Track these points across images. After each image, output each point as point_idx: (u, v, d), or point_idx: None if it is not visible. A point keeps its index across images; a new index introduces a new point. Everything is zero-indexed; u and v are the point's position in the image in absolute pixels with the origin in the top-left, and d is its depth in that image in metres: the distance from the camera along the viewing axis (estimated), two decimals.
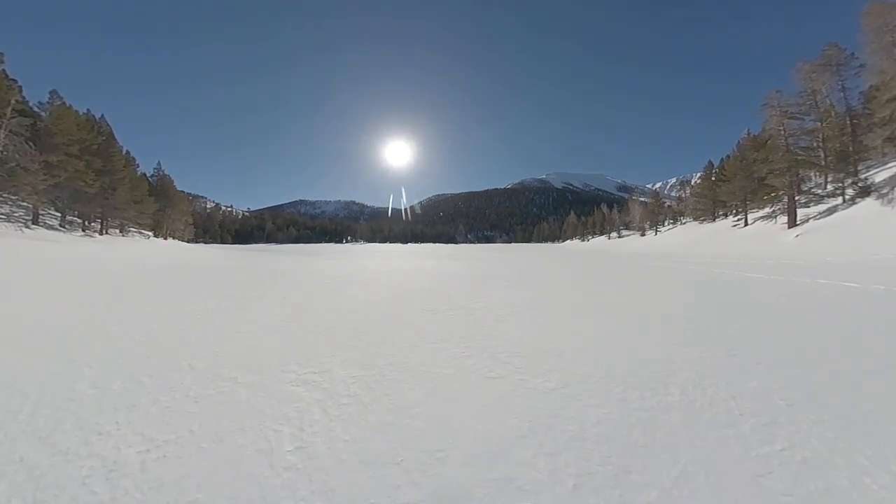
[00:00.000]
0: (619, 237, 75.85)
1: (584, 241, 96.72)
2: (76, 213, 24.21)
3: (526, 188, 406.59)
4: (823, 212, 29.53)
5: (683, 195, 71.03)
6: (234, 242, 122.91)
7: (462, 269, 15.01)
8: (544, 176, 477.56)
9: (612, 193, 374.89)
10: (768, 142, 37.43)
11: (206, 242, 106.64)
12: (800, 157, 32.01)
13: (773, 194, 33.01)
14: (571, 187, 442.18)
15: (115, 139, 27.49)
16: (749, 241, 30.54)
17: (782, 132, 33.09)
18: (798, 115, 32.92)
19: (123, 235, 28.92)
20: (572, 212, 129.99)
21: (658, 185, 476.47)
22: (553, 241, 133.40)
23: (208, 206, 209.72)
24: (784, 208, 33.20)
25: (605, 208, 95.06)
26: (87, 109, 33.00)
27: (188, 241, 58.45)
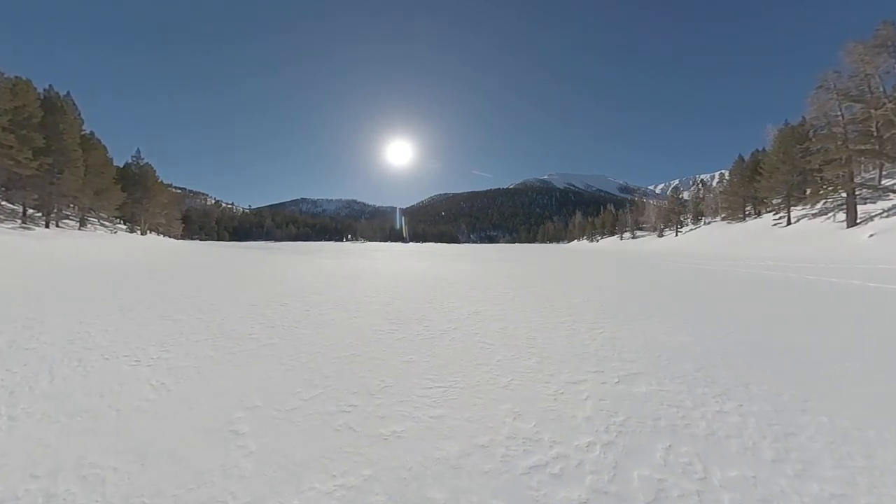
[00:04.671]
0: (633, 238, 71.81)
1: (592, 241, 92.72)
2: (22, 200, 20.18)
3: (528, 188, 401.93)
4: (891, 209, 25.62)
5: (699, 195, 66.90)
6: (231, 240, 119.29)
7: (492, 275, 11.03)
8: (546, 176, 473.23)
9: (614, 194, 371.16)
10: (812, 131, 33.58)
11: (201, 239, 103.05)
12: (862, 147, 27.88)
13: (829, 188, 28.94)
14: (574, 188, 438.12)
15: (66, 114, 23.02)
16: (805, 240, 26.50)
17: (840, 118, 29.10)
18: (860, 99, 28.82)
19: (81, 229, 24.88)
20: (578, 212, 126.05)
21: (660, 186, 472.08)
22: (558, 241, 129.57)
23: (208, 202, 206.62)
24: (836, 204, 29.41)
25: (612, 208, 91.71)
26: (50, 85, 29.16)
27: (178, 238, 54.53)
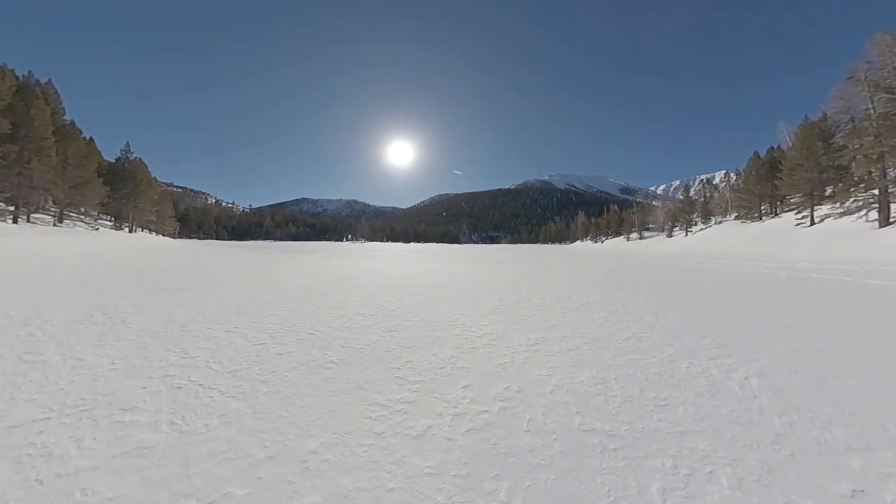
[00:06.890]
0: (641, 238, 69.98)
1: (596, 242, 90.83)
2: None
3: (529, 189, 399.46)
4: None
5: (706, 194, 65.16)
6: (230, 239, 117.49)
7: (513, 279, 9.17)
8: (547, 177, 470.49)
9: (615, 195, 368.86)
10: (835, 127, 31.81)
11: (199, 238, 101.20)
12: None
13: (860, 185, 27.15)
14: (574, 188, 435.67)
15: (39, 100, 21.02)
16: (836, 241, 24.54)
17: (871, 112, 27.29)
18: (891, 90, 26.95)
19: (58, 224, 22.91)
20: (581, 212, 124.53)
21: (661, 187, 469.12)
22: (560, 242, 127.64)
23: (209, 202, 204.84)
24: (867, 203, 27.71)
25: (616, 209, 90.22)
26: (29, 71, 27.44)
27: (174, 237, 52.63)
